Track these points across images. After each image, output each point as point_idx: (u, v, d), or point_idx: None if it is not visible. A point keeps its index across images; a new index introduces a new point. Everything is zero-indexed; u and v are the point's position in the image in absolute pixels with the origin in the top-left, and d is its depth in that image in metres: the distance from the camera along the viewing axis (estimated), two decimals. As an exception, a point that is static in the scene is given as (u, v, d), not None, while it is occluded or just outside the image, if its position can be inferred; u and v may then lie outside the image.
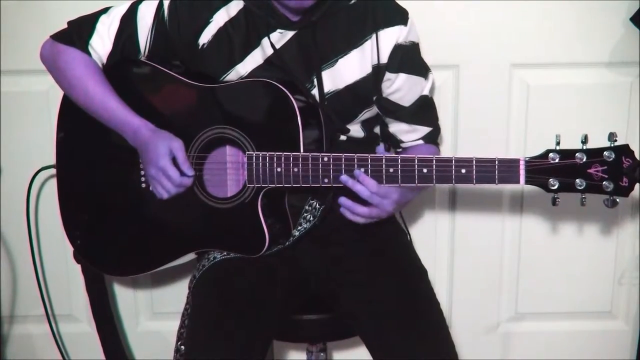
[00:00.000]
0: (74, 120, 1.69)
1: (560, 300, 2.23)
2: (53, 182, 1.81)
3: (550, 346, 2.28)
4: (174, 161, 1.51)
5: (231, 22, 1.57)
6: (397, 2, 1.62)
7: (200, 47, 1.58)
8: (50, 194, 1.76)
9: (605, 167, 1.33)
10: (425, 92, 1.65)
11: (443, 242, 2.20)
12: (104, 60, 1.62)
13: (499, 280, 2.22)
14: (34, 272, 2.05)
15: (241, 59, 1.58)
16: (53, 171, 1.78)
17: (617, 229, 2.17)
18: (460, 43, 2.03)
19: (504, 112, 2.08)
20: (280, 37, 1.56)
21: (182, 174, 1.51)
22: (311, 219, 1.63)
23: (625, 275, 2.21)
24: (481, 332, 2.26)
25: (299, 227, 1.63)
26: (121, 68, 1.64)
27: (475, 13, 2.01)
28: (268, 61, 1.57)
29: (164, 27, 1.58)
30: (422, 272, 1.66)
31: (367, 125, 1.68)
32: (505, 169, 1.38)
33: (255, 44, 1.57)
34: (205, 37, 1.58)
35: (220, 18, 1.57)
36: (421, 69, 1.63)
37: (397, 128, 1.68)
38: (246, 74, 1.58)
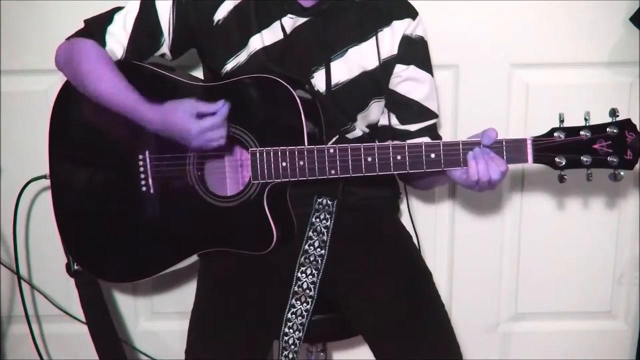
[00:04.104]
0: (69, 124, 1.69)
1: (560, 300, 2.24)
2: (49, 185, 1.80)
3: (550, 346, 2.28)
4: (201, 115, 1.46)
5: (243, 4, 1.59)
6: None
7: (215, 23, 1.59)
8: (49, 194, 1.76)
9: (610, 142, 1.37)
10: (426, 94, 1.67)
11: (443, 242, 2.21)
12: (125, 44, 1.61)
13: (499, 280, 2.23)
14: (27, 274, 2.05)
15: (255, 34, 1.59)
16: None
17: (617, 229, 2.18)
18: (460, 43, 2.04)
19: (503, 112, 2.08)
20: (291, 23, 1.59)
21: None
22: (327, 216, 1.62)
23: (625, 275, 2.22)
24: (481, 332, 2.26)
25: (316, 229, 1.61)
26: (122, 72, 1.64)
27: (475, 13, 2.02)
28: (277, 45, 1.59)
29: (181, 4, 1.59)
30: (427, 274, 1.66)
31: (370, 127, 1.69)
32: (512, 149, 1.41)
33: (266, 25, 1.59)
34: (221, 13, 1.59)
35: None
36: (428, 66, 1.67)
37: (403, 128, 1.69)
38: (254, 52, 1.59)
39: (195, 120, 1.46)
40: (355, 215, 1.67)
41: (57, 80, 1.69)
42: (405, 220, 1.85)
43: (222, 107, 1.46)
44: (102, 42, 1.61)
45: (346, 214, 1.64)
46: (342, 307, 1.64)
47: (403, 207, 1.90)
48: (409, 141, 1.47)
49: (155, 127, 1.53)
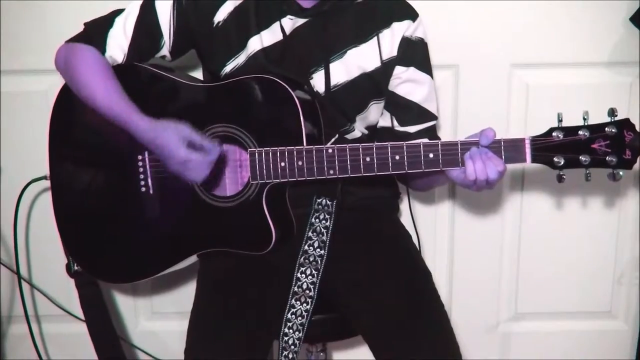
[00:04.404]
0: (69, 125, 1.69)
1: (560, 300, 2.24)
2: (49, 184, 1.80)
3: (550, 346, 2.28)
4: (192, 145, 1.47)
5: (243, 5, 1.59)
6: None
7: (215, 25, 1.59)
8: (49, 194, 1.77)
9: (608, 142, 1.36)
10: (425, 95, 1.67)
11: (443, 242, 2.20)
12: (126, 49, 1.61)
13: (499, 280, 2.23)
14: (28, 274, 2.04)
15: (254, 35, 1.59)
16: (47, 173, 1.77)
17: (617, 229, 2.18)
18: (460, 43, 2.04)
19: (503, 112, 2.08)
20: (291, 24, 1.59)
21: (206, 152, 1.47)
22: (326, 216, 1.62)
23: (625, 275, 2.22)
24: (481, 332, 2.26)
25: (316, 229, 1.62)
26: (120, 74, 1.63)
27: (475, 13, 2.02)
28: (276, 46, 1.59)
29: (181, 6, 1.59)
30: (426, 274, 1.66)
31: (369, 128, 1.69)
32: (511, 149, 1.41)
33: (265, 27, 1.59)
34: (221, 15, 1.59)
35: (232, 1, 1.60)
36: (428, 68, 1.67)
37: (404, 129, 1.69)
38: (253, 53, 1.59)
39: (185, 147, 1.46)
40: (354, 215, 1.67)
41: (57, 80, 1.69)
42: (406, 220, 1.85)
43: (215, 148, 1.47)
44: (103, 48, 1.60)
45: (345, 213, 1.64)
46: (342, 307, 1.64)
47: (403, 206, 1.90)
48: (407, 142, 1.46)
49: (146, 139, 1.52)
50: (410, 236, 1.77)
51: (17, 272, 2.01)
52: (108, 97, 1.55)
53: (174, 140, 1.47)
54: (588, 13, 2.00)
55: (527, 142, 1.39)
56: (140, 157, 1.62)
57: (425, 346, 1.50)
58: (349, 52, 1.60)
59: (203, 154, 1.46)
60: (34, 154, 2.00)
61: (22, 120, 2.09)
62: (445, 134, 2.07)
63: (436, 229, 2.19)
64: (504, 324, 2.27)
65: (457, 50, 2.04)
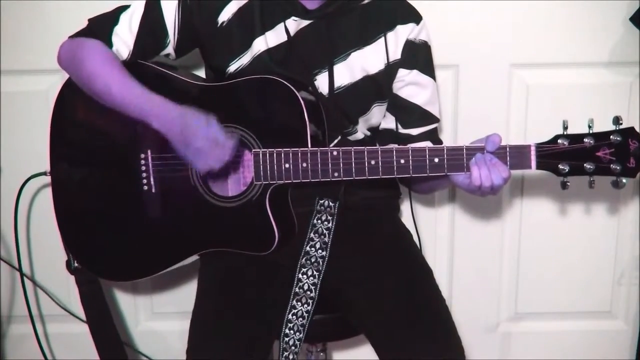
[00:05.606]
0: (71, 123, 1.69)
1: (560, 300, 2.24)
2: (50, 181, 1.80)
3: (550, 346, 2.28)
4: None
5: (247, 6, 1.59)
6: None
7: (219, 25, 1.59)
8: (49, 191, 1.76)
9: (613, 150, 1.37)
10: (428, 98, 1.67)
11: (443, 242, 2.21)
12: (131, 46, 1.60)
13: (498, 280, 2.23)
14: (29, 273, 2.04)
15: (259, 36, 1.59)
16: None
17: (617, 229, 2.18)
18: (460, 43, 2.04)
19: (503, 112, 2.08)
20: (295, 25, 1.59)
21: None
22: (329, 218, 1.63)
23: (624, 275, 2.22)
24: (481, 332, 2.26)
25: (318, 230, 1.62)
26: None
27: (475, 13, 2.02)
28: (281, 47, 1.58)
29: (186, 5, 1.59)
30: (428, 271, 1.67)
31: (371, 130, 1.69)
32: (516, 155, 1.41)
33: (269, 27, 1.59)
34: (225, 15, 1.59)
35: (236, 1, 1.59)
36: (431, 71, 1.67)
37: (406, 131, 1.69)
38: (257, 54, 1.59)
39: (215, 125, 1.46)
40: (355, 214, 1.67)
41: (57, 80, 1.69)
42: (406, 220, 1.85)
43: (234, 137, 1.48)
44: (108, 43, 1.60)
45: (347, 213, 1.64)
46: (344, 306, 1.64)
47: (404, 207, 1.90)
48: (411, 145, 1.46)
49: (172, 117, 1.50)
50: (410, 234, 1.77)
51: (20, 270, 2.01)
52: (124, 84, 1.55)
53: (204, 118, 1.47)
54: (588, 13, 2.00)
55: (533, 148, 1.40)
56: (142, 156, 1.62)
57: (428, 343, 1.50)
58: (352, 54, 1.60)
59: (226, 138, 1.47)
60: (33, 154, 1.99)
61: (22, 120, 2.09)
62: (446, 134, 2.08)
63: (436, 229, 2.19)
64: (504, 324, 2.27)
65: (457, 50, 2.04)
